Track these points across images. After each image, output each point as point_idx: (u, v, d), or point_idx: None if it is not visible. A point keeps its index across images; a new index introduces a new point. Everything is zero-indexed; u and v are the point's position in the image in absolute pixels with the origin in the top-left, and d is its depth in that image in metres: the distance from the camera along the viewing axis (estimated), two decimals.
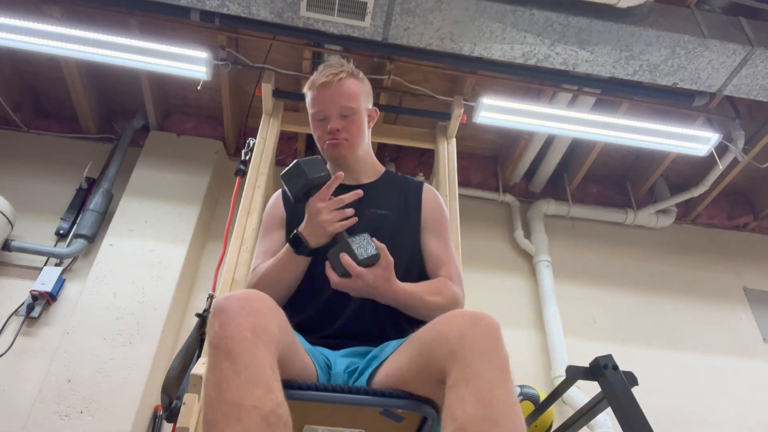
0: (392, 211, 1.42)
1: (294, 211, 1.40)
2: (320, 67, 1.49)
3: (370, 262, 1.16)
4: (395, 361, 1.13)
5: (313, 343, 1.27)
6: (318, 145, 1.48)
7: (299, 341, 1.19)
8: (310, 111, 1.47)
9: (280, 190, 1.49)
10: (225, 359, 0.86)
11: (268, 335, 0.92)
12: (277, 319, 0.98)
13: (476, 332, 0.94)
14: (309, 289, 1.35)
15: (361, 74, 1.50)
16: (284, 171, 1.25)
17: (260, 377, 0.85)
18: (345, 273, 1.15)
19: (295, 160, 1.25)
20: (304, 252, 1.26)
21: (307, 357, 1.17)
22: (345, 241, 1.17)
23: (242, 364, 0.85)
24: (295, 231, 1.27)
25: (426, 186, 1.52)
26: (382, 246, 1.19)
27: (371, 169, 1.53)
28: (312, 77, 1.46)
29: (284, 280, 1.31)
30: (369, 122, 1.51)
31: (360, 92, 1.46)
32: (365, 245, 1.17)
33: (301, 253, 1.26)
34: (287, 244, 1.29)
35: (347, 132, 1.41)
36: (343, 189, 1.28)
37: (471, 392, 0.87)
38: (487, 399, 0.85)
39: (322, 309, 1.32)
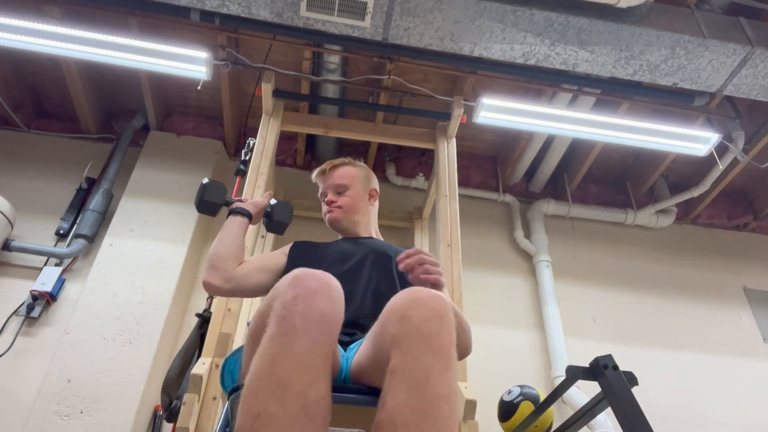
0: (391, 250, 1.63)
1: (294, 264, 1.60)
2: None
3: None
4: (357, 354, 1.12)
5: None
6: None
7: None
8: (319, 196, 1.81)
9: (289, 246, 1.71)
10: (287, 333, 0.83)
11: (335, 325, 0.89)
12: (342, 313, 0.95)
13: (419, 315, 0.90)
14: None
15: (359, 163, 1.83)
16: (208, 183, 1.59)
17: (314, 364, 0.82)
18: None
19: (209, 181, 1.60)
20: (242, 212, 1.59)
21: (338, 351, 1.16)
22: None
23: (302, 345, 0.82)
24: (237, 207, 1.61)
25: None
26: None
27: (373, 232, 1.77)
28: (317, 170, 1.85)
29: (226, 238, 1.53)
30: (370, 200, 1.78)
31: (354, 175, 1.77)
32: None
33: (237, 212, 1.58)
34: (232, 215, 1.59)
35: (341, 203, 1.70)
36: (347, 241, 1.65)
37: (406, 380, 0.84)
38: (420, 388, 0.82)
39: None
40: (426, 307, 0.91)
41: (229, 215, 1.59)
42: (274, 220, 1.68)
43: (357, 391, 1.10)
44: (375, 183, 1.84)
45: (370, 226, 1.76)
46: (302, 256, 1.61)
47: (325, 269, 1.51)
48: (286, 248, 1.68)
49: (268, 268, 1.57)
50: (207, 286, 1.42)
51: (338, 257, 1.58)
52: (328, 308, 0.88)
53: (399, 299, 0.95)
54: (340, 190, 1.73)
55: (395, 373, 0.86)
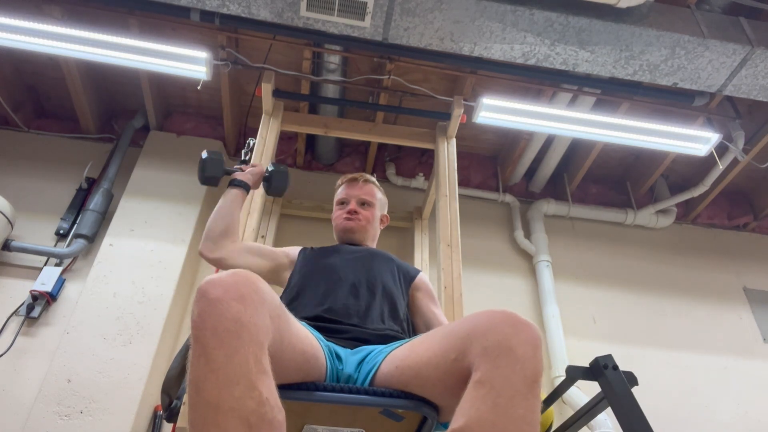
0: (389, 254, 1.70)
1: (304, 263, 1.65)
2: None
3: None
4: (413, 352, 1.11)
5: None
6: (333, 225, 1.81)
7: (304, 327, 1.18)
8: (336, 199, 1.85)
9: (298, 249, 1.76)
10: (202, 354, 0.79)
11: (256, 324, 0.84)
12: (267, 304, 0.91)
13: (518, 336, 0.90)
14: (322, 289, 1.47)
15: (381, 188, 1.92)
16: (207, 159, 1.64)
17: (240, 374, 0.78)
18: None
19: (207, 156, 1.64)
20: (241, 185, 1.65)
21: (310, 343, 1.14)
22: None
23: (220, 361, 0.78)
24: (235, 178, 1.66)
25: (421, 272, 1.76)
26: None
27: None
28: (345, 177, 1.89)
29: (221, 211, 1.59)
30: (380, 224, 1.86)
31: (378, 197, 1.86)
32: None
33: (234, 184, 1.64)
34: (229, 187, 1.64)
35: (363, 216, 1.77)
36: (349, 245, 1.70)
37: (492, 394, 0.83)
38: (504, 407, 0.82)
39: (333, 306, 1.41)
40: (525, 332, 0.91)
41: (228, 186, 1.65)
42: (273, 185, 1.74)
43: (357, 391, 1.10)
44: (386, 209, 1.95)
45: (374, 244, 1.84)
46: (311, 256, 1.66)
47: (328, 260, 1.55)
48: (293, 250, 1.73)
49: (261, 253, 1.64)
50: (200, 253, 1.55)
51: (340, 251, 1.66)
52: (242, 311, 0.83)
53: (497, 316, 0.94)
54: (364, 202, 1.81)
55: (482, 385, 0.85)
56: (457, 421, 0.83)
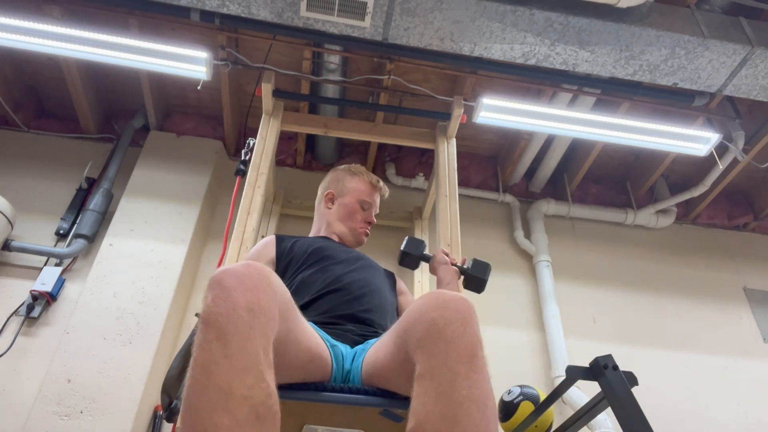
0: (377, 267, 1.82)
1: (284, 255, 1.70)
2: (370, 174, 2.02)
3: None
4: (374, 356, 1.11)
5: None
6: (348, 224, 1.87)
7: (311, 326, 1.18)
8: (360, 196, 1.90)
9: (274, 236, 1.82)
10: (215, 339, 0.78)
11: (266, 316, 0.84)
12: (278, 299, 0.91)
13: (443, 317, 0.88)
14: (324, 286, 1.48)
15: None
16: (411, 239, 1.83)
17: (252, 363, 0.78)
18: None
19: (417, 239, 1.87)
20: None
21: (316, 341, 1.14)
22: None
23: (234, 347, 0.77)
24: None
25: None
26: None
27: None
28: (372, 177, 1.98)
29: None
30: None
31: None
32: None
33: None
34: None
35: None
36: (341, 246, 1.77)
37: (433, 385, 0.82)
38: (447, 393, 0.81)
39: (337, 303, 1.43)
40: (450, 310, 0.89)
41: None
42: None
43: (357, 391, 1.10)
44: None
45: None
46: (296, 248, 1.69)
47: (325, 260, 1.57)
48: (269, 248, 1.72)
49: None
50: None
51: (336, 252, 1.67)
52: (254, 302, 0.84)
53: (423, 302, 0.93)
54: (376, 213, 1.98)
55: (423, 378, 0.84)
56: (410, 422, 0.82)
